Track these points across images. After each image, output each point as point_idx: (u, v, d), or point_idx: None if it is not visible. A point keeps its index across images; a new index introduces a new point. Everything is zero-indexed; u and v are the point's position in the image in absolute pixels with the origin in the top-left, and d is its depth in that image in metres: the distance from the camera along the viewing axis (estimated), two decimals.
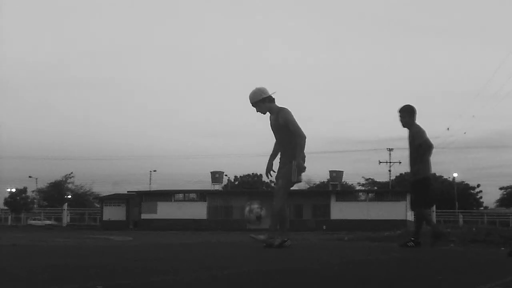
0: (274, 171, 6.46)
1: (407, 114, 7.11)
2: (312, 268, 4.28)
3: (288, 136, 6.29)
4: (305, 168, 6.31)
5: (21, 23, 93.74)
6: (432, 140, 7.19)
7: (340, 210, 38.96)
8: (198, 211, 40.69)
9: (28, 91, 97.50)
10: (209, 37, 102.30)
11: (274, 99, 6.40)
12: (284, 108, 6.37)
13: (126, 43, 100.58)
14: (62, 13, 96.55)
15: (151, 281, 3.26)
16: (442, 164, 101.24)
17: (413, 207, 7.27)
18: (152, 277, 3.43)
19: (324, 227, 35.80)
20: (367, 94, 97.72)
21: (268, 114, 6.43)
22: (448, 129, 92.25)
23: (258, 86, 6.44)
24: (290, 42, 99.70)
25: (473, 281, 3.59)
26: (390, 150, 58.21)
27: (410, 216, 37.84)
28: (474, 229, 10.16)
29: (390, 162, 57.58)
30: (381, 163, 57.90)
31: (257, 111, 6.39)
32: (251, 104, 6.37)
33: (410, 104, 7.18)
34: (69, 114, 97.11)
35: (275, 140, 6.53)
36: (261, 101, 6.32)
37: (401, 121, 7.14)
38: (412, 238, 7.05)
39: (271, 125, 6.47)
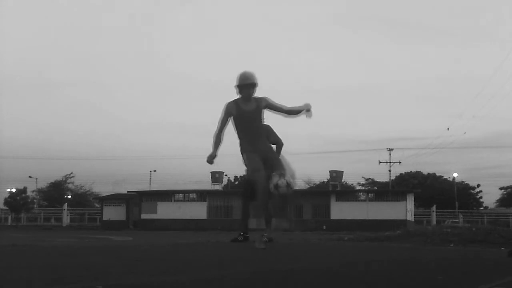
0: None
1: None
2: (311, 268, 4.28)
3: (261, 123, 6.18)
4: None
5: (21, 22, 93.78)
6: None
7: (340, 210, 38.93)
8: (198, 211, 40.66)
9: (28, 91, 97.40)
10: (209, 37, 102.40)
11: None
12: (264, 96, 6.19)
13: (126, 43, 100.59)
14: (62, 12, 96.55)
15: (151, 281, 3.26)
16: (442, 164, 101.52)
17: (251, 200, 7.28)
18: (152, 277, 3.43)
19: (324, 227, 35.77)
20: (366, 93, 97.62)
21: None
22: (448, 129, 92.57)
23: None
24: (289, 42, 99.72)
25: (473, 281, 3.60)
26: (390, 150, 58.16)
27: (410, 216, 37.87)
28: (474, 229, 10.14)
29: (390, 162, 57.52)
30: (381, 163, 57.86)
31: (248, 93, 6.04)
32: (247, 84, 6.01)
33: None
34: (69, 114, 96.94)
35: (242, 128, 6.13)
36: (255, 85, 6.10)
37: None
38: (242, 233, 7.56)
39: (242, 114, 6.08)
